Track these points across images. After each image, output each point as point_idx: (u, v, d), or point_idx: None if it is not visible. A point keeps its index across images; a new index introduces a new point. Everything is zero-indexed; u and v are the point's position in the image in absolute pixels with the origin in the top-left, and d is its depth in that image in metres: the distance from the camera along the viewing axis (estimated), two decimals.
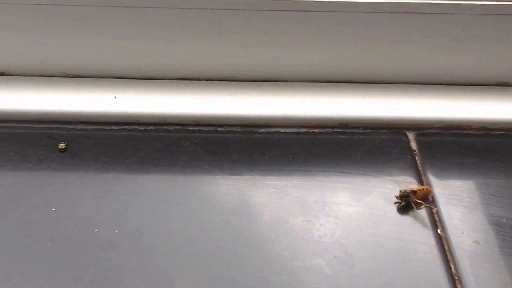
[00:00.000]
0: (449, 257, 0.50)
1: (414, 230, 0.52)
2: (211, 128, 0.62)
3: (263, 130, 0.62)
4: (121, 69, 0.64)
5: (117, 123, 0.61)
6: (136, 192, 0.55)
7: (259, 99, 0.63)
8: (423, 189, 0.54)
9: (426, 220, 0.53)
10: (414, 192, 0.54)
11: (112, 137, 0.60)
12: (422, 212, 0.54)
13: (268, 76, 0.65)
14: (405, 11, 0.60)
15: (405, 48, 0.63)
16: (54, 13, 0.59)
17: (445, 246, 0.51)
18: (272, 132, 0.62)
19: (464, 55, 0.63)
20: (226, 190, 0.55)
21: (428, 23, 0.61)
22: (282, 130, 0.62)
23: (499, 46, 0.63)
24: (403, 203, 0.54)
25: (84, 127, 0.61)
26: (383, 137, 0.61)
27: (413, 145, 0.61)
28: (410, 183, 0.56)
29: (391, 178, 0.57)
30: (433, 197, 0.55)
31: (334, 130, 0.62)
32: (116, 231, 0.51)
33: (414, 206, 0.54)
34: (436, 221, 0.53)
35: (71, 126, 0.61)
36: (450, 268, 0.50)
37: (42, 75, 0.64)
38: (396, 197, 0.54)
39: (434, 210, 0.54)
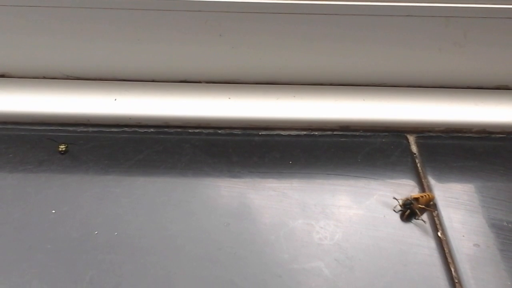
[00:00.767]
0: (450, 260, 0.50)
1: (414, 233, 0.52)
2: (211, 131, 0.62)
3: (263, 132, 0.62)
4: (122, 72, 0.64)
5: (117, 125, 0.61)
6: (136, 194, 0.55)
7: (259, 101, 0.63)
8: (425, 195, 0.54)
9: (427, 223, 0.53)
10: (416, 199, 0.53)
11: (113, 139, 0.60)
12: (423, 215, 0.54)
13: (269, 79, 0.65)
14: (406, 14, 0.60)
15: (406, 51, 0.63)
16: (54, 15, 0.59)
17: (445, 249, 0.51)
18: (272, 135, 0.62)
19: (465, 58, 0.63)
20: (226, 192, 0.55)
21: (428, 26, 0.61)
22: (282, 132, 0.62)
23: (499, 49, 0.63)
24: (408, 211, 0.53)
25: (84, 129, 0.61)
26: (383, 140, 0.61)
27: (414, 148, 0.61)
28: (410, 186, 0.56)
29: (391, 181, 0.57)
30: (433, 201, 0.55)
31: (335, 132, 0.62)
32: (116, 233, 0.51)
33: (418, 213, 0.53)
34: (436, 224, 0.53)
35: (71, 128, 0.61)
36: (451, 271, 0.50)
37: (43, 77, 0.64)
38: (400, 205, 0.54)
39: (435, 213, 0.54)
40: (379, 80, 0.65)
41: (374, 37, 0.62)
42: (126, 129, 0.61)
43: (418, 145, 0.61)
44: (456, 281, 0.49)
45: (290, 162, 0.59)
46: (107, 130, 0.61)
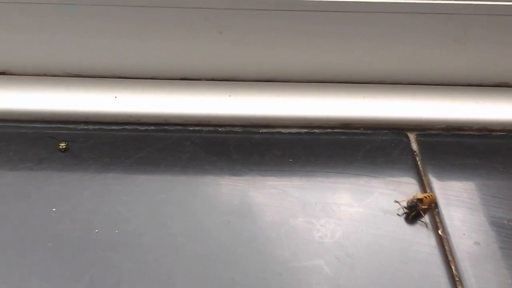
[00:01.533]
0: (450, 258, 0.50)
1: (415, 231, 0.52)
2: (211, 128, 0.62)
3: (264, 130, 0.62)
4: (122, 69, 0.64)
5: (117, 123, 0.61)
6: (136, 192, 0.55)
7: (260, 99, 0.63)
8: (428, 196, 0.54)
9: (427, 221, 0.53)
10: (420, 200, 0.53)
11: (113, 137, 0.60)
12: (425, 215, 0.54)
13: (269, 76, 0.65)
14: (406, 11, 0.60)
15: (406, 49, 0.63)
16: (55, 12, 0.59)
17: (446, 247, 0.51)
18: (273, 133, 0.62)
19: (465, 56, 0.63)
20: (227, 190, 0.55)
21: (428, 23, 0.61)
22: (283, 130, 0.62)
23: (500, 47, 0.63)
24: (414, 212, 0.53)
25: (85, 127, 0.61)
26: (384, 138, 0.61)
27: (414, 146, 0.61)
28: (411, 184, 0.56)
29: (392, 179, 0.57)
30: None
31: (335, 130, 0.62)
32: (116, 231, 0.51)
33: (422, 214, 0.53)
34: (437, 222, 0.53)
35: (71, 126, 0.61)
36: (451, 269, 0.50)
37: (43, 75, 0.64)
38: (405, 207, 0.53)
39: (435, 211, 0.54)
40: (380, 78, 0.65)
41: (374, 34, 0.62)
42: (126, 126, 0.61)
43: (419, 143, 0.61)
44: (457, 279, 0.49)
45: (291, 160, 0.59)
46: (108, 127, 0.61)
